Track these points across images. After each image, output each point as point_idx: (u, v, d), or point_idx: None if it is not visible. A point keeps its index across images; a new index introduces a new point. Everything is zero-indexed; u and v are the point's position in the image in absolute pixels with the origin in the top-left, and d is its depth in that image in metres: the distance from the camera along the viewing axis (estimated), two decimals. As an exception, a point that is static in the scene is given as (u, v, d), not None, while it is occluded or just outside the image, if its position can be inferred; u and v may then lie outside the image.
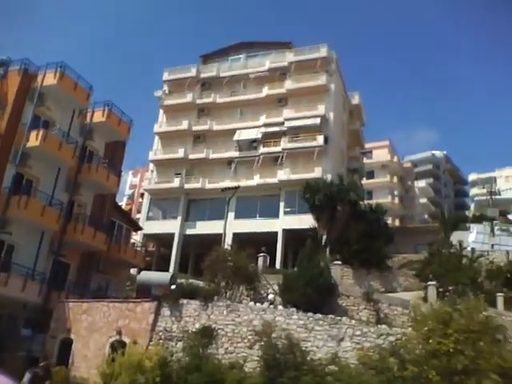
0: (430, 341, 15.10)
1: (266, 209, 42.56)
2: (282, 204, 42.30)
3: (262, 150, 44.45)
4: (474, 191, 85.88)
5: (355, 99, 53.15)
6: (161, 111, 50.77)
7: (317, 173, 40.44)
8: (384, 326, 19.44)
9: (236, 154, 45.61)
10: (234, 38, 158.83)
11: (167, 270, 37.56)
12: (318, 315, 19.45)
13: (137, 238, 41.55)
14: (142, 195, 60.55)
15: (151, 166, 49.28)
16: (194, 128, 48.00)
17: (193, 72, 50.11)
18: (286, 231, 40.56)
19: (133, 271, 35.36)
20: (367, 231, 31.76)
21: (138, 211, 59.31)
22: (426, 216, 69.15)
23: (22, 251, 24.34)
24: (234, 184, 38.29)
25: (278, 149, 43.67)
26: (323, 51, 45.86)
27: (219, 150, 46.26)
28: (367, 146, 59.48)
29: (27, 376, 16.39)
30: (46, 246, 25.87)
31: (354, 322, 19.61)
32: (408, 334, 16.99)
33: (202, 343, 19.02)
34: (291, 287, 22.42)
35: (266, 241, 35.55)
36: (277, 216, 41.89)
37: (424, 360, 14.97)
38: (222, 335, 19.74)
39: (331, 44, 46.95)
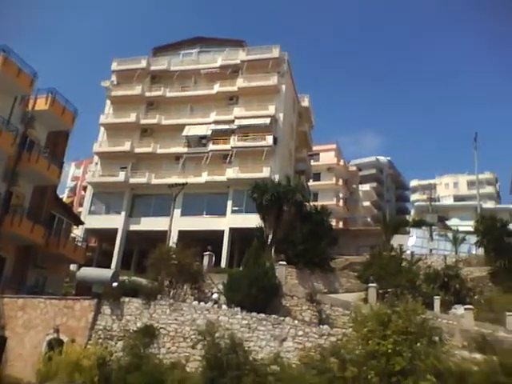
0: (370, 342, 15.42)
1: (214, 207, 42.31)
2: (229, 202, 42.18)
3: (212, 147, 44.14)
4: (414, 197, 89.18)
5: (305, 101, 53.86)
6: (108, 102, 49.37)
7: (265, 173, 40.64)
8: (326, 327, 19.75)
9: (184, 149, 45.07)
10: (187, 32, 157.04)
11: (109, 267, 36.50)
12: (262, 315, 19.52)
13: (78, 232, 40.14)
14: (84, 188, 58.52)
15: (96, 158, 47.83)
16: (142, 121, 47.05)
17: (143, 64, 49.10)
18: (232, 230, 40.46)
19: (72, 267, 34.13)
20: (312, 232, 32.23)
21: (80, 205, 57.28)
22: (368, 219, 71.05)
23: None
24: (182, 180, 37.84)
25: (228, 147, 43.53)
26: (275, 52, 46.13)
27: (167, 145, 45.55)
28: (315, 148, 60.41)
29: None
30: (-20, 238, 24.51)
31: (296, 322, 19.83)
32: (348, 334, 17.31)
33: (143, 342, 18.65)
34: (236, 287, 22.38)
35: (212, 239, 35.37)
36: (224, 214, 41.74)
37: (364, 360, 15.26)
38: (164, 334, 19.43)
39: (283, 45, 47.38)
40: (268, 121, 43.22)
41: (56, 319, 20.67)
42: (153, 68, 49.34)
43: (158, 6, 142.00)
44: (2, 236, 25.25)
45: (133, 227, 43.56)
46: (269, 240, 33.62)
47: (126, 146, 45.70)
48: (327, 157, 64.90)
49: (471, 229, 44.03)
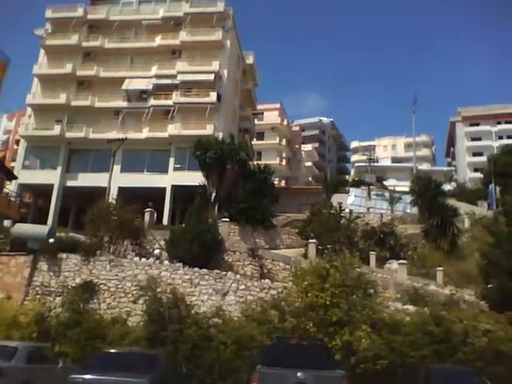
0: (309, 294, 15.94)
1: (155, 163, 41.50)
2: (171, 160, 41.47)
3: (153, 102, 42.82)
4: (354, 157, 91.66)
5: (249, 59, 52.99)
6: (42, 51, 46.44)
7: (208, 130, 40.12)
8: (267, 281, 20.21)
9: (124, 104, 43.47)
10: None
11: (45, 224, 35.24)
12: (204, 270, 19.66)
13: (11, 187, 38.37)
14: (17, 142, 55.58)
15: (29, 110, 45.29)
16: (79, 73, 44.76)
17: (79, 12, 46.32)
18: (174, 187, 39.96)
19: (6, 223, 32.72)
20: (255, 190, 32.51)
21: (13, 159, 54.53)
22: (310, 178, 72.35)
23: None
24: (121, 136, 36.58)
25: (170, 102, 42.38)
26: (220, 6, 44.79)
27: (106, 99, 43.74)
28: (259, 107, 60.13)
29: None
30: None
31: (238, 276, 20.15)
32: (289, 288, 17.79)
33: (82, 298, 18.33)
34: (178, 243, 22.38)
35: (153, 196, 34.92)
36: (166, 171, 41.07)
37: (302, 312, 15.79)
38: (104, 290, 19.18)
39: (229, 0, 45.92)
40: (212, 77, 42.31)
41: (-11, 276, 19.87)
42: (90, 17, 46.65)
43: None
44: None
45: (70, 183, 42.04)
46: (212, 198, 33.65)
47: (62, 99, 43.52)
48: (271, 116, 64.83)
49: (407, 189, 46.06)
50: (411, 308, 17.88)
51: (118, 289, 19.19)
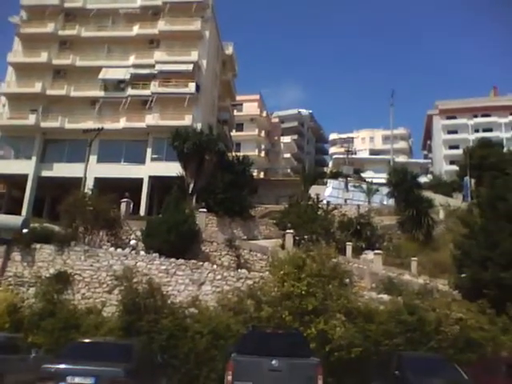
0: (285, 284, 16.01)
1: (132, 154, 40.99)
2: (149, 150, 41.07)
3: (130, 91, 42.25)
4: (333, 149, 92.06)
5: (229, 50, 52.69)
6: (16, 39, 45.39)
7: (187, 121, 39.82)
8: (244, 271, 20.27)
9: (101, 93, 42.80)
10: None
11: (20, 214, 34.72)
12: (181, 260, 19.61)
13: (-17, 178, 37.66)
14: (-9, 132, 54.45)
15: (3, 99, 44.21)
16: (55, 61, 43.90)
17: (56, 0, 45.37)
18: (152, 178, 39.64)
19: (-22, 214, 32.11)
20: (233, 181, 32.54)
21: (-13, 149, 53.45)
22: (288, 170, 72.53)
23: None
24: (98, 126, 36.07)
25: (148, 92, 41.91)
26: (199, -5, 44.32)
27: (82, 88, 42.98)
28: (238, 98, 59.87)
29: None
30: None
31: (215, 266, 20.15)
32: (265, 277, 17.89)
33: (56, 289, 18.13)
34: (154, 233, 22.28)
35: (130, 187, 34.55)
36: (143, 162, 40.68)
37: (278, 301, 15.85)
38: (79, 281, 18.99)
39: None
40: (191, 67, 41.95)
41: (-40, 266, 19.47)
42: (67, 5, 45.61)
43: None
44: None
45: (45, 173, 41.30)
46: (190, 189, 33.52)
47: (37, 88, 42.64)
48: (250, 107, 64.65)
49: (384, 181, 46.52)
50: (385, 297, 18.17)
51: (93, 279, 19.02)
